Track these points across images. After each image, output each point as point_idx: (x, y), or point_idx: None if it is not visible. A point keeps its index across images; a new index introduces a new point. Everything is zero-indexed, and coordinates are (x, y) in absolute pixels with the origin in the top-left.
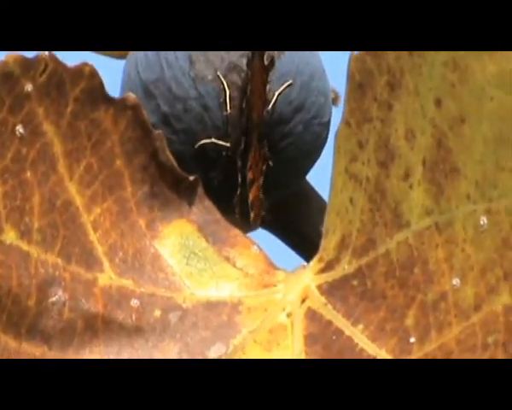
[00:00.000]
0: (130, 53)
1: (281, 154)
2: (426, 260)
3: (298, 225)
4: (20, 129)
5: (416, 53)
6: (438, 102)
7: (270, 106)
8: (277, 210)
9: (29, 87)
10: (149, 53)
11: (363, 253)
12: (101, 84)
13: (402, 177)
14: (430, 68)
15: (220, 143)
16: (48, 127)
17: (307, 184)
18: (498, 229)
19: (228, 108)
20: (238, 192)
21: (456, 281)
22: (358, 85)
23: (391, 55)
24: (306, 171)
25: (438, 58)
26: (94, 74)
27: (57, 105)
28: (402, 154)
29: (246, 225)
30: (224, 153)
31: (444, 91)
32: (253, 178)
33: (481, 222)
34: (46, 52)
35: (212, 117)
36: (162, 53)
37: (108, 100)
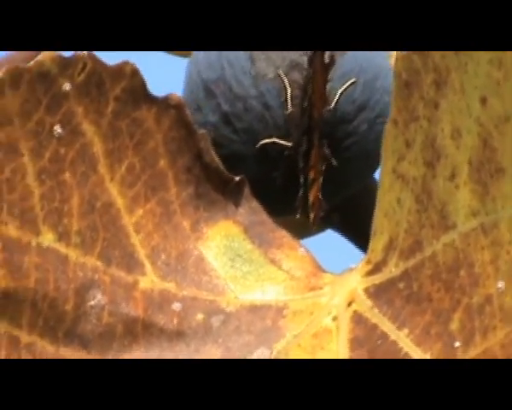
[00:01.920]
0: (193, 53)
1: (345, 153)
2: (472, 263)
3: (366, 226)
4: (58, 129)
5: (461, 52)
6: (483, 101)
7: (333, 104)
8: (346, 211)
9: (67, 86)
10: (211, 52)
11: (409, 255)
12: (143, 83)
13: (448, 177)
14: (476, 66)
15: (282, 142)
16: (87, 127)
17: (376, 183)
18: None
19: (289, 106)
20: (300, 193)
21: (501, 284)
22: (405, 84)
23: (437, 54)
24: (372, 170)
25: (483, 56)
26: (135, 73)
27: (97, 104)
28: (448, 153)
29: (311, 227)
30: (285, 152)
31: (489, 89)
32: (313, 178)
33: None
34: (84, 51)
35: (273, 116)
36: (224, 52)
37: (151, 99)
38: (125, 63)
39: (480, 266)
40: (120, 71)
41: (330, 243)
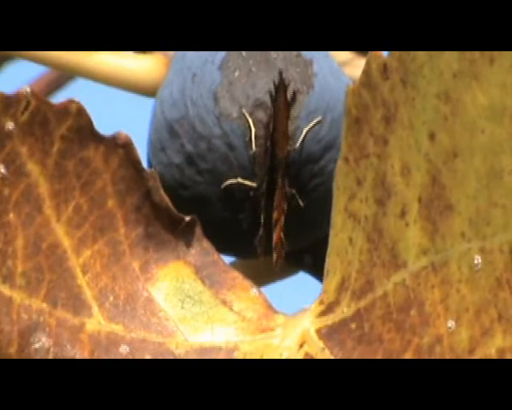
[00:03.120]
0: (158, 91)
1: (312, 193)
2: (422, 302)
3: None
4: (1, 169)
5: (409, 84)
6: (431, 136)
7: (299, 144)
8: (317, 252)
9: (10, 126)
10: (174, 91)
11: (361, 295)
12: (90, 122)
13: (398, 215)
14: (423, 101)
15: (246, 183)
16: (32, 167)
17: None
18: (492, 268)
19: (253, 146)
20: (260, 233)
21: (451, 323)
22: (355, 120)
23: (385, 88)
24: None
25: (430, 90)
26: (81, 111)
27: (42, 144)
28: (398, 191)
29: (283, 270)
30: (250, 193)
31: (437, 125)
32: (276, 218)
33: (475, 261)
34: (27, 88)
35: (237, 156)
36: (187, 91)
37: (98, 138)
38: (71, 101)
39: (430, 306)
40: (66, 109)
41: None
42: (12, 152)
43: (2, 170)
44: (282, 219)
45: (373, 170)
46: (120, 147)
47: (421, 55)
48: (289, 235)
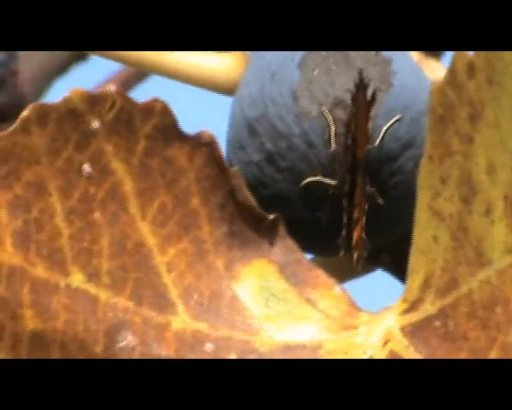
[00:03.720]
0: (237, 90)
1: (391, 192)
2: (507, 300)
3: None
4: (87, 168)
5: (495, 83)
6: None
7: (378, 142)
8: (395, 250)
9: (96, 124)
10: (253, 90)
11: (446, 293)
12: (175, 121)
13: (484, 213)
14: (509, 99)
15: (326, 181)
16: (117, 166)
17: None
18: None
19: (333, 144)
20: (344, 233)
21: None
22: (440, 119)
23: (471, 87)
24: None
25: None
26: (166, 111)
27: (127, 142)
28: (483, 189)
29: (360, 268)
30: (330, 191)
31: None
32: (357, 217)
33: None
34: (113, 87)
35: (317, 154)
36: (266, 90)
37: (183, 137)
38: (156, 101)
39: None
40: (150, 108)
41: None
42: (97, 151)
43: (88, 168)
44: (363, 217)
45: (458, 168)
46: (204, 146)
47: (508, 54)
48: (368, 233)
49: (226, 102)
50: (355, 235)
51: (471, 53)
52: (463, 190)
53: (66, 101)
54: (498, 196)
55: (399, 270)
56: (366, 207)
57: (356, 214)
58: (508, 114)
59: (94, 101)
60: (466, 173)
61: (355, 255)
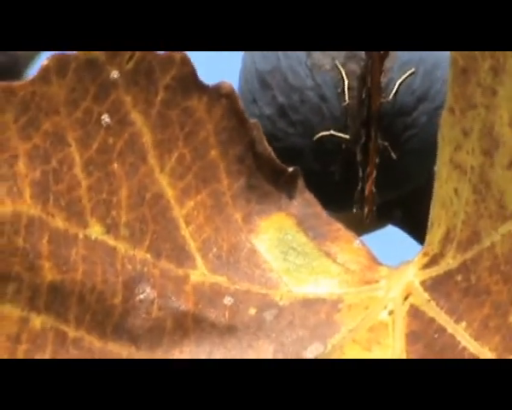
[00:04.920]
0: None
1: (404, 146)
2: None
3: (427, 221)
4: (105, 118)
5: None
6: None
7: (392, 96)
8: (407, 205)
9: (115, 74)
10: None
11: (467, 247)
12: (194, 72)
13: (506, 166)
14: None
15: (339, 135)
16: (136, 116)
17: None
18: None
19: (346, 98)
20: (359, 187)
21: None
22: (462, 71)
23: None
24: (433, 164)
25: None
26: (185, 61)
27: (146, 93)
28: (506, 141)
29: (372, 223)
30: (343, 145)
31: None
32: (369, 172)
33: None
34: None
35: (330, 108)
36: None
37: (202, 88)
38: (175, 51)
39: None
40: (170, 59)
41: (393, 236)
42: (116, 101)
43: (107, 119)
44: (374, 172)
45: (480, 121)
46: (224, 97)
47: None
48: (381, 187)
49: (236, 55)
50: (366, 189)
51: None
52: (486, 143)
53: (86, 51)
54: None
55: (411, 225)
56: (377, 161)
57: (368, 169)
58: None
59: (114, 51)
60: (488, 126)
61: (365, 210)
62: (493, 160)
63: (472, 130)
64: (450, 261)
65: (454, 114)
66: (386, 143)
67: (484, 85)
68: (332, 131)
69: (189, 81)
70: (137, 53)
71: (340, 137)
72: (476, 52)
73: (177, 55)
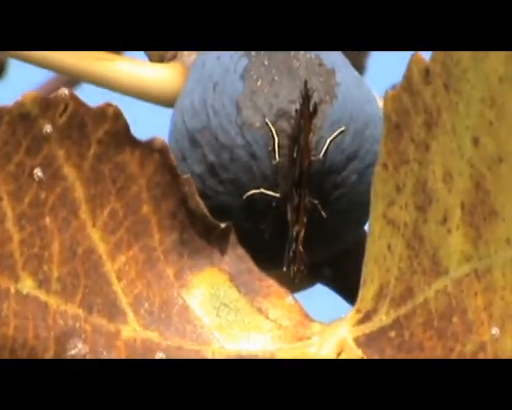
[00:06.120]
0: (178, 101)
1: (334, 205)
2: (465, 309)
3: (357, 280)
4: (38, 172)
5: (452, 89)
6: (475, 141)
7: (322, 154)
8: (337, 265)
9: (48, 128)
10: (196, 101)
11: (401, 303)
12: (127, 126)
13: (440, 221)
14: (466, 105)
15: (269, 193)
16: (69, 171)
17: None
18: None
19: (277, 156)
20: (288, 246)
21: (495, 330)
22: (395, 126)
23: (427, 93)
24: (363, 223)
25: (474, 94)
26: (118, 115)
27: (79, 147)
28: (440, 197)
29: (301, 282)
30: (273, 203)
31: (481, 130)
32: (297, 230)
33: None
34: (66, 91)
35: (260, 166)
36: (209, 100)
37: (134, 142)
38: (108, 105)
39: (473, 313)
40: (103, 113)
41: (326, 292)
42: (49, 155)
43: (40, 173)
44: (303, 231)
45: (413, 176)
46: (156, 152)
47: (465, 58)
48: (310, 246)
49: (161, 112)
50: (295, 249)
51: (427, 58)
52: (419, 199)
53: (19, 104)
54: (455, 204)
55: (340, 284)
56: (305, 220)
57: (296, 228)
58: (464, 120)
59: (47, 104)
60: (422, 181)
61: (293, 269)
62: (426, 215)
63: (405, 185)
64: (383, 317)
65: (387, 169)
66: (315, 202)
67: (417, 141)
68: (262, 190)
69: (122, 136)
70: (70, 106)
71: (271, 196)
72: (409, 107)
73: (111, 108)
